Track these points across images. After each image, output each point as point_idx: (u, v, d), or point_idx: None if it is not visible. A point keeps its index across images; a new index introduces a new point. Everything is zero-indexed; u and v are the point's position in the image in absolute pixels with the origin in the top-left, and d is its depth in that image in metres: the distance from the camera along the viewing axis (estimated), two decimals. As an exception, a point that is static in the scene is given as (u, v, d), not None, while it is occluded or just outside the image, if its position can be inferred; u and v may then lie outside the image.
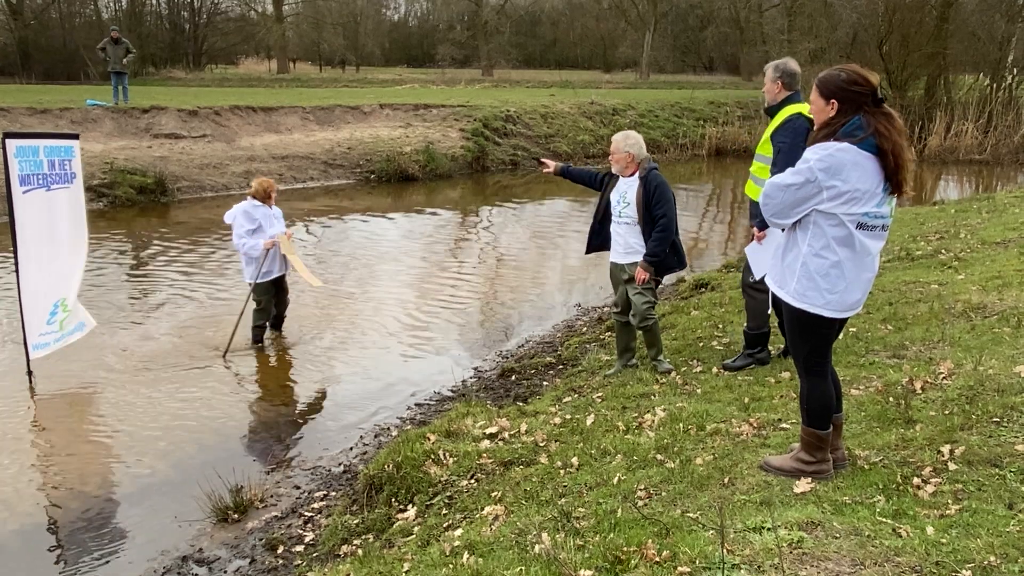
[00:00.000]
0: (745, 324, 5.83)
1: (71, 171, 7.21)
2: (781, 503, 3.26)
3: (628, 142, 5.74)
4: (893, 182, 3.15)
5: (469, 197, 18.40)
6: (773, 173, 4.86)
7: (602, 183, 6.09)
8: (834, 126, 3.20)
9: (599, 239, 6.12)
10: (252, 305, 7.87)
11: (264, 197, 7.77)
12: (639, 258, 5.77)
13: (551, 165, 6.16)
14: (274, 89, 31.65)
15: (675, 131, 26.39)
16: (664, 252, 5.69)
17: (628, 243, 5.82)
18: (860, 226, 3.18)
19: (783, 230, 3.42)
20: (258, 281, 7.70)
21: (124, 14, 45.39)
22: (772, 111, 5.23)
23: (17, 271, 6.84)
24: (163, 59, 46.07)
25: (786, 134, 4.98)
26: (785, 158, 4.76)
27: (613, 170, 5.89)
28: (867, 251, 3.23)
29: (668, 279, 7.77)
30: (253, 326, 7.89)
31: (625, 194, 5.77)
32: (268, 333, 8.07)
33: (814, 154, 3.17)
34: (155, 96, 22.22)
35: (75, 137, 7.46)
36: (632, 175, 5.77)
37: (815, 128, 3.32)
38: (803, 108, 5.08)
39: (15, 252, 6.80)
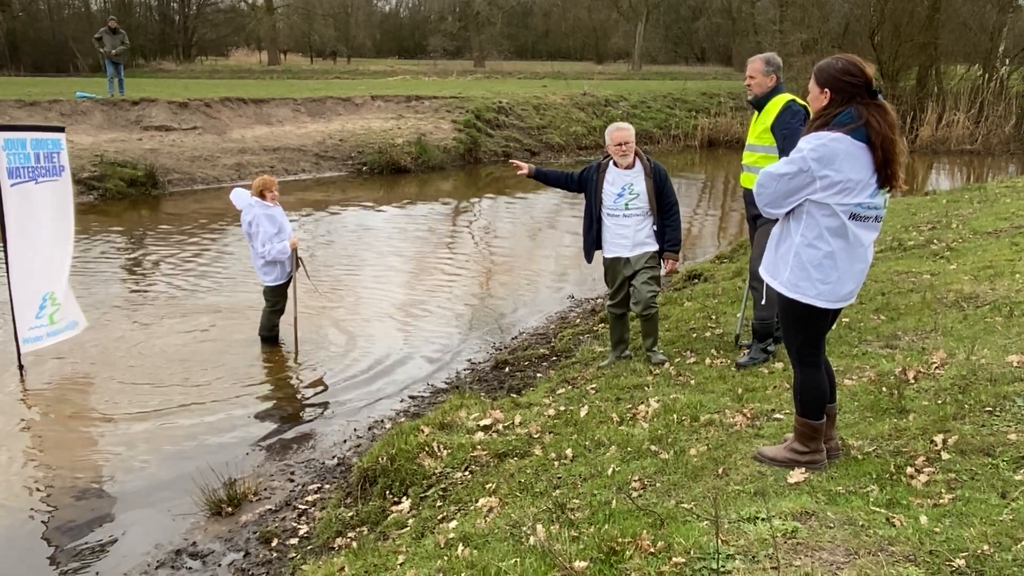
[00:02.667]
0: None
1: (59, 164, 7.15)
2: (775, 493, 3.27)
3: (631, 133, 5.73)
4: (882, 175, 3.14)
5: (462, 189, 18.37)
6: None
7: (581, 182, 5.92)
8: (827, 116, 3.19)
9: (592, 241, 5.97)
10: (266, 306, 7.68)
11: (259, 196, 7.42)
12: (648, 249, 5.77)
13: (525, 168, 5.96)
14: (265, 81, 31.49)
15: (667, 122, 26.36)
16: (681, 235, 5.86)
17: (637, 236, 5.76)
18: (853, 216, 3.18)
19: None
20: (280, 283, 7.55)
21: (113, 5, 45.00)
22: (761, 103, 5.37)
23: (6, 264, 6.80)
24: (153, 51, 45.69)
25: (788, 119, 5.12)
26: (792, 144, 4.92)
27: (621, 163, 5.73)
28: (860, 242, 3.23)
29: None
30: (272, 325, 7.73)
31: (631, 186, 5.72)
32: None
33: (808, 143, 3.16)
34: (145, 88, 22.08)
35: (61, 130, 7.39)
36: (632, 166, 5.75)
37: (811, 116, 3.31)
38: (791, 96, 5.28)
39: (4, 245, 6.76)
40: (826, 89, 3.20)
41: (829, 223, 3.19)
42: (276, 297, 7.62)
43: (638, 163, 5.76)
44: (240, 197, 7.47)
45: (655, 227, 5.79)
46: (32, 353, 7.07)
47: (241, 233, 7.58)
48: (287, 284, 7.60)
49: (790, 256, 3.29)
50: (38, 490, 5.23)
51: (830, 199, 3.15)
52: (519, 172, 5.95)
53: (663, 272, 5.80)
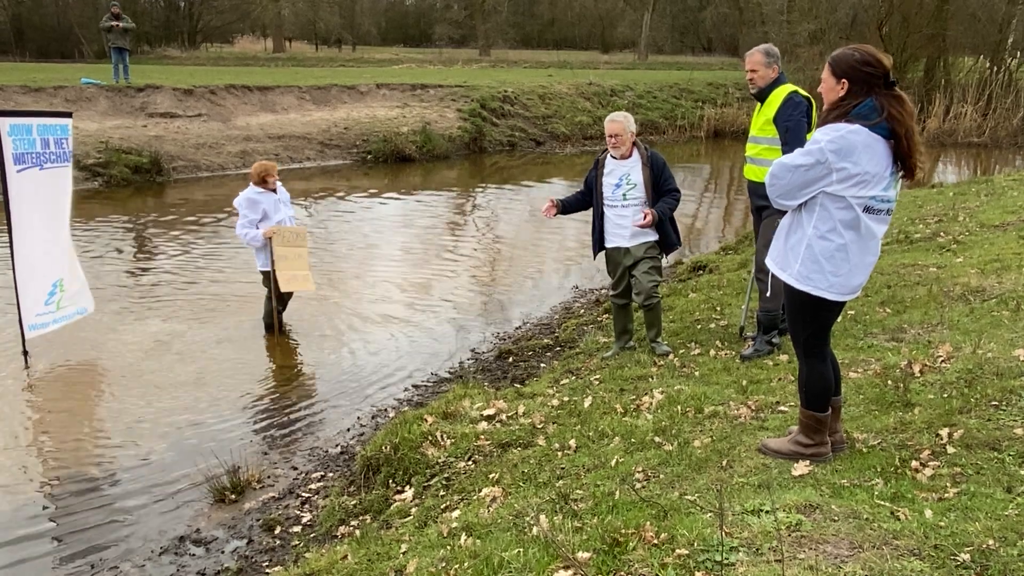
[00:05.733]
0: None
1: (67, 150, 7.14)
2: (779, 486, 3.26)
3: (629, 123, 5.71)
4: (906, 166, 3.12)
5: (466, 178, 18.33)
6: (786, 152, 4.93)
7: (588, 185, 5.95)
8: (845, 107, 3.14)
9: (600, 236, 5.96)
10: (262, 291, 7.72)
11: (260, 182, 7.41)
12: (647, 239, 5.75)
13: (551, 210, 6.00)
14: (270, 68, 31.43)
15: (673, 112, 26.29)
16: (671, 213, 5.77)
17: (635, 226, 5.77)
18: (867, 209, 3.15)
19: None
20: (266, 269, 7.49)
21: (118, -9, 44.94)
22: (763, 95, 5.36)
23: (12, 251, 6.80)
24: (158, 37, 45.67)
25: (790, 111, 5.11)
26: (795, 135, 4.92)
27: (615, 154, 5.74)
28: (872, 235, 3.21)
29: (665, 260, 7.73)
30: (267, 312, 7.73)
31: (629, 176, 5.71)
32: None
33: (825, 135, 3.12)
34: (150, 75, 22.05)
35: (68, 115, 7.37)
36: (630, 156, 5.73)
37: (825, 107, 3.26)
38: (793, 87, 5.28)
39: (10, 232, 6.76)
40: (844, 80, 3.15)
41: (843, 215, 3.17)
42: (267, 284, 7.63)
43: (635, 153, 5.74)
44: (238, 199, 7.49)
45: None
46: (37, 339, 7.07)
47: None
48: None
49: (801, 248, 3.27)
50: (42, 476, 5.25)
51: (846, 191, 3.12)
52: (548, 214, 6.04)
53: (642, 221, 5.71)
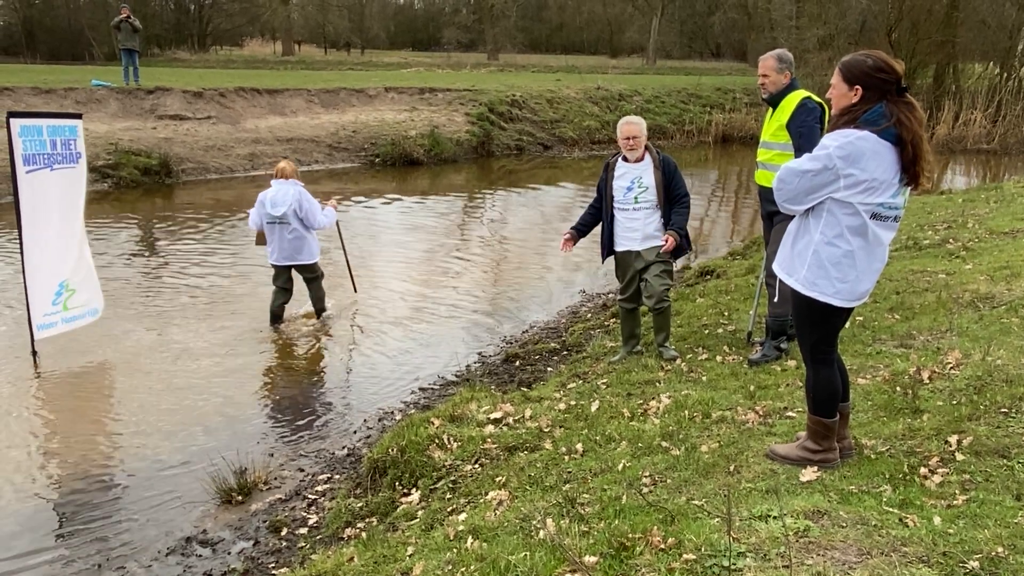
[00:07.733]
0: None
1: (76, 151, 7.17)
2: (787, 491, 3.25)
3: (644, 127, 5.72)
4: (910, 173, 3.11)
5: (474, 182, 18.35)
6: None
7: (601, 188, 5.95)
8: (855, 112, 3.13)
9: (609, 240, 5.96)
10: (316, 283, 8.10)
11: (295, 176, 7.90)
12: (658, 243, 5.74)
13: (568, 244, 5.95)
14: (279, 71, 31.53)
15: (681, 117, 26.28)
16: (686, 224, 5.76)
17: (647, 230, 5.75)
18: (874, 216, 3.14)
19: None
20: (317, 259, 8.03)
21: (129, -6, 45.14)
22: (776, 100, 5.34)
23: (22, 251, 6.84)
24: (168, 40, 45.90)
25: (804, 117, 5.11)
26: (808, 141, 4.93)
27: (630, 156, 5.73)
28: (879, 241, 3.20)
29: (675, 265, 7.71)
30: (275, 306, 7.96)
31: (640, 179, 5.71)
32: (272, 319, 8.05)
33: (833, 141, 3.11)
34: (160, 77, 22.15)
35: (78, 117, 7.41)
36: (642, 159, 5.74)
37: (834, 113, 3.25)
38: (806, 93, 5.27)
39: (19, 232, 6.79)
40: (857, 87, 3.13)
41: (850, 222, 3.16)
42: (316, 271, 8.07)
43: (647, 156, 5.75)
44: (283, 194, 7.64)
45: (663, 220, 5.78)
46: (46, 340, 7.10)
47: (271, 218, 7.62)
48: None
49: (808, 253, 3.26)
50: (49, 475, 5.26)
51: (853, 198, 3.11)
52: (566, 248, 5.98)
53: (665, 247, 5.73)
